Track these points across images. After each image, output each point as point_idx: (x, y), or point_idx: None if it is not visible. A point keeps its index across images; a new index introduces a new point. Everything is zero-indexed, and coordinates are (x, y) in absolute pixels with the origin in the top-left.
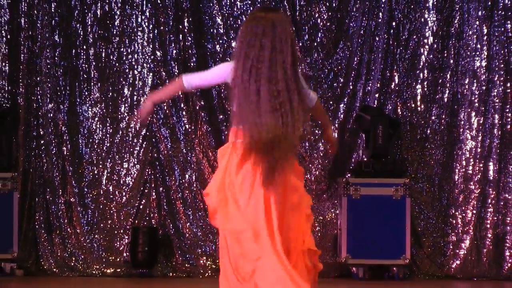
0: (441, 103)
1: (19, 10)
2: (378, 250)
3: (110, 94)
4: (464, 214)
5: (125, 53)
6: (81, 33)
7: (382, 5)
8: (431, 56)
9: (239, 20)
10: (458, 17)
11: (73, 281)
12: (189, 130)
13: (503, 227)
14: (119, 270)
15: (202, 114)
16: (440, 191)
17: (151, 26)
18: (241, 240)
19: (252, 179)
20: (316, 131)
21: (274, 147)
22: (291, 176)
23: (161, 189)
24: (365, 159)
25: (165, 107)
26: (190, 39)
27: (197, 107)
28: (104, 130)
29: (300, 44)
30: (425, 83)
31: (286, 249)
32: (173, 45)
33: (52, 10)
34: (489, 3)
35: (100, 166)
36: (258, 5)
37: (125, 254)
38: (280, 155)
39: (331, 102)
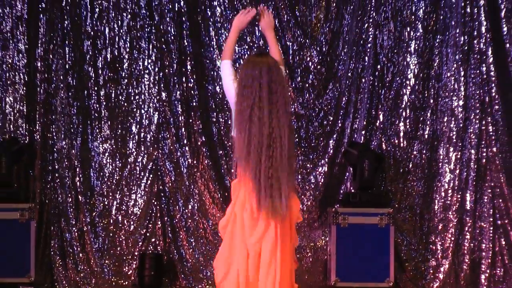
0: (422, 139)
1: (36, 55)
2: (365, 273)
3: (119, 131)
4: (443, 241)
5: (133, 94)
6: (93, 76)
7: (368, 50)
8: (413, 96)
9: (237, 64)
10: (437, 61)
11: None
12: (192, 164)
13: (479, 253)
14: None
15: (204, 149)
16: (421, 219)
17: (156, 69)
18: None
19: (256, 214)
20: (308, 165)
21: (274, 181)
22: (292, 213)
23: (166, 218)
24: (353, 191)
25: (169, 143)
26: (192, 81)
27: (199, 143)
28: (113, 165)
29: (293, 85)
30: (407, 121)
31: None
32: (177, 86)
33: (66, 55)
34: (466, 48)
35: (110, 197)
36: (254, 49)
37: (133, 278)
38: (280, 188)
39: (321, 139)
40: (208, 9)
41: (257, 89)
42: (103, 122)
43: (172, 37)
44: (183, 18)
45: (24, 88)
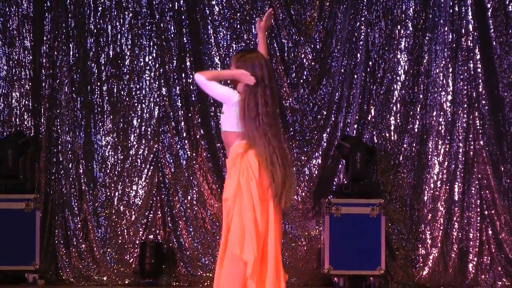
0: (412, 133)
1: (41, 51)
2: (357, 262)
3: (121, 125)
4: (432, 230)
5: (134, 89)
6: (96, 72)
7: (360, 47)
8: (403, 91)
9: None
10: (426, 57)
11: None
12: (191, 156)
13: (466, 242)
14: (128, 280)
15: (202, 142)
16: (411, 210)
17: (157, 65)
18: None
19: (262, 194)
20: (302, 158)
21: (282, 166)
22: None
23: (166, 208)
24: (345, 182)
25: (169, 137)
26: (191, 76)
27: (198, 136)
28: (115, 157)
29: (288, 81)
30: (398, 115)
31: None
32: (176, 82)
33: (70, 51)
34: (454, 45)
35: (112, 188)
36: (251, 47)
37: (134, 266)
38: (286, 173)
39: (315, 132)
40: (206, 8)
41: (268, 79)
42: (105, 116)
43: (172, 35)
44: (183, 17)
45: (30, 84)
